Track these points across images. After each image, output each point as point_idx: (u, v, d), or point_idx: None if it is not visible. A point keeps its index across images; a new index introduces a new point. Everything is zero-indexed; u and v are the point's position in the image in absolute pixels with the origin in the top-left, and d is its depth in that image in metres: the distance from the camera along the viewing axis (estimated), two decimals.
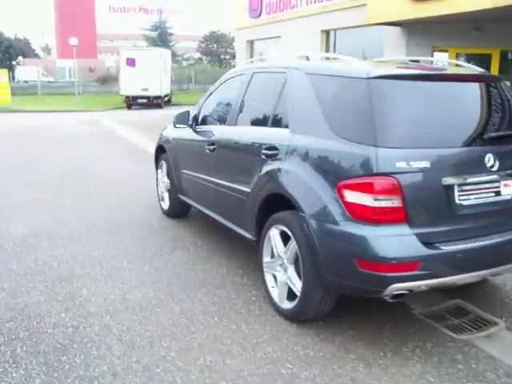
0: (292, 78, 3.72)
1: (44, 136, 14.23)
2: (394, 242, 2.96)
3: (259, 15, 17.44)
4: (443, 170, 3.05)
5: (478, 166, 3.16)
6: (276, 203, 3.65)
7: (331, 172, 3.17)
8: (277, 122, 3.82)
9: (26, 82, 41.43)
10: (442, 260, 3.02)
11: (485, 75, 3.81)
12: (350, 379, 2.92)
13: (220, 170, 4.45)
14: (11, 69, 43.36)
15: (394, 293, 3.01)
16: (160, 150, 6.13)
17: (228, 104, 4.61)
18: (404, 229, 2.97)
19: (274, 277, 3.73)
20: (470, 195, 3.15)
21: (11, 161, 10.05)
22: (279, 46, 16.60)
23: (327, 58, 4.38)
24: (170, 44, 51.05)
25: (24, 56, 57.82)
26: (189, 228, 5.64)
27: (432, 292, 3.80)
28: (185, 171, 5.33)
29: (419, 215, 3.02)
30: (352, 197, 3.01)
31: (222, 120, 4.76)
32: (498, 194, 3.26)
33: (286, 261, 3.55)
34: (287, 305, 3.55)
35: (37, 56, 65.28)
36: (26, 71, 44.22)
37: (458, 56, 10.92)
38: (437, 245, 3.03)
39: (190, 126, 5.16)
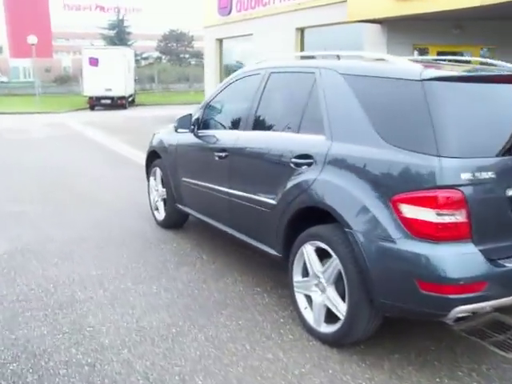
0: (324, 79, 3.38)
1: (10, 140, 13.44)
2: (460, 260, 2.68)
3: (229, 12, 17.06)
4: (507, 181, 2.78)
5: None
6: (309, 217, 3.31)
7: (383, 184, 2.85)
8: (307, 128, 3.46)
9: None
10: (507, 278, 2.76)
11: None
12: None
13: (235, 180, 4.06)
14: None
15: (458, 316, 2.73)
16: (152, 156, 5.68)
17: (239, 107, 4.22)
18: (469, 246, 2.69)
19: (307, 297, 3.39)
20: None
21: None
22: (251, 44, 16.27)
23: (363, 58, 4.04)
24: (129, 43, 49.78)
25: None
26: (189, 240, 5.23)
27: None
28: (185, 179, 4.91)
29: (483, 230, 2.74)
30: (411, 212, 2.71)
31: (232, 124, 4.37)
32: None
33: (324, 280, 3.22)
34: (326, 328, 3.22)
35: None
36: None
37: (438, 54, 10.85)
38: (500, 261, 2.76)
39: (192, 131, 4.76)
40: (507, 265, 2.76)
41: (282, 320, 3.57)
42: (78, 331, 3.36)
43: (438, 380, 2.91)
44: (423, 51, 11.06)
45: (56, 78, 41.68)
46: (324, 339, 3.25)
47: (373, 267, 2.85)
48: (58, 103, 27.85)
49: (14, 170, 9.12)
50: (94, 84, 24.16)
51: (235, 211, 4.11)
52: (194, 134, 4.73)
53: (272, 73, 3.93)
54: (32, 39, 24.30)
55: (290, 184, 3.40)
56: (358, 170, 2.98)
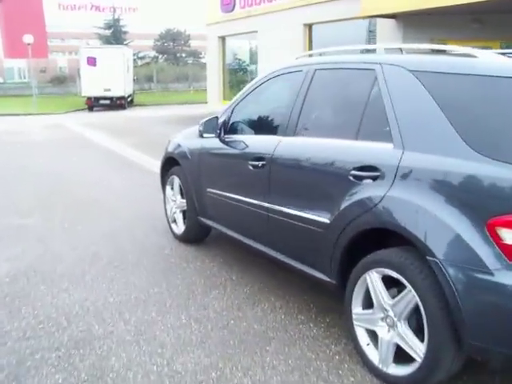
0: (388, 77, 2.85)
1: (10, 143, 12.87)
2: None
3: (232, 9, 16.54)
4: None
5: None
6: (371, 240, 2.81)
7: (476, 203, 2.35)
8: (367, 135, 2.93)
9: None
10: None
11: None
12: None
13: (276, 193, 3.52)
14: None
15: None
16: (169, 163, 5.15)
17: (277, 109, 3.71)
18: None
19: (370, 332, 2.89)
20: None
21: None
22: (256, 41, 15.75)
23: (432, 50, 3.53)
24: (125, 42, 49.12)
25: None
26: (214, 257, 4.69)
27: None
28: (211, 190, 4.38)
29: None
30: None
31: (268, 129, 3.85)
32: None
33: (393, 314, 2.71)
34: (397, 370, 2.72)
35: None
36: None
37: None
38: None
39: (218, 136, 4.24)
40: None
41: (337, 357, 3.05)
42: (100, 379, 2.83)
43: None
44: None
45: (52, 78, 41.00)
46: (393, 382, 2.74)
47: (464, 303, 2.34)
48: (56, 104, 27.22)
49: (12, 176, 8.54)
50: (92, 84, 23.57)
51: (275, 229, 3.58)
52: (221, 140, 4.21)
53: (317, 69, 3.40)
54: (28, 38, 23.62)
55: (348, 201, 2.88)
56: (441, 187, 2.46)
